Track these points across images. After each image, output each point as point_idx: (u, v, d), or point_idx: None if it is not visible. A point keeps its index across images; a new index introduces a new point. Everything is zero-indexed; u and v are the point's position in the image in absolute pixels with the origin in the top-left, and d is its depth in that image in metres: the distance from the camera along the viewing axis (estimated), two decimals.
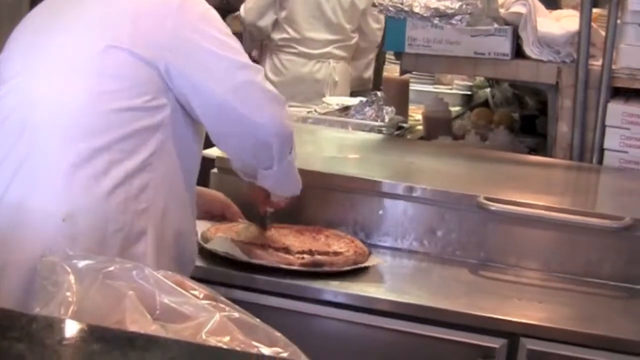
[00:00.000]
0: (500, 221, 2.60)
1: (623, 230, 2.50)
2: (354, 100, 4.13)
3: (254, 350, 1.51)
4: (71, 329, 1.42)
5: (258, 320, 1.61)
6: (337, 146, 3.32)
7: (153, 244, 2.11)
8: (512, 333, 2.28)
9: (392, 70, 4.52)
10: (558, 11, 3.63)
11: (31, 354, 1.29)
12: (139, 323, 1.51)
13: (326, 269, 2.41)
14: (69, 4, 2.22)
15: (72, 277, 1.57)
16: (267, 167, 2.25)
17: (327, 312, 2.37)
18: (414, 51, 3.37)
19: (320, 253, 2.44)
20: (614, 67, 3.17)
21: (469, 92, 4.97)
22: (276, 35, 5.40)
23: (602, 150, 3.16)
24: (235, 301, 1.68)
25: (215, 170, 2.79)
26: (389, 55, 4.95)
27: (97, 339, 1.36)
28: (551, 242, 2.60)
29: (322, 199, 2.74)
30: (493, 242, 2.62)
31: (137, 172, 2.10)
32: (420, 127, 4.11)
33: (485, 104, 4.68)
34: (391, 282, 2.47)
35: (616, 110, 3.13)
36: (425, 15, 3.22)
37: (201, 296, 1.62)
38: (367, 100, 3.87)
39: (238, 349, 1.50)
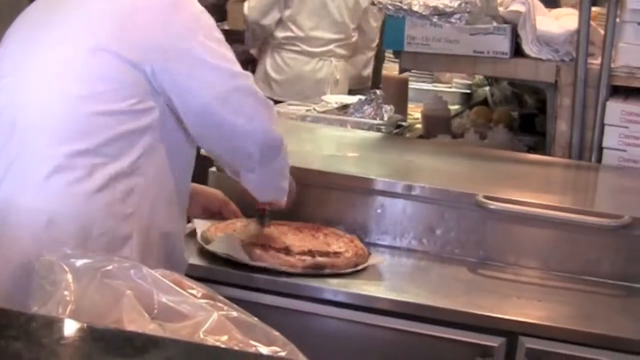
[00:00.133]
0: (500, 220, 2.60)
1: (622, 228, 2.50)
2: (353, 99, 4.13)
3: (252, 350, 1.51)
4: (69, 328, 1.42)
5: (256, 319, 1.61)
6: (336, 144, 3.32)
7: (138, 248, 2.09)
8: (511, 332, 2.28)
9: (391, 68, 4.52)
10: (557, 10, 3.63)
11: (29, 353, 1.29)
12: (137, 322, 1.50)
13: (327, 271, 2.41)
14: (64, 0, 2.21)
15: (70, 276, 1.57)
16: (249, 170, 2.25)
17: (326, 311, 2.37)
18: (413, 50, 3.37)
19: (320, 253, 2.44)
20: (613, 65, 3.16)
21: (468, 91, 4.96)
22: (280, 34, 5.39)
23: (601, 149, 3.16)
24: (234, 300, 1.68)
25: (213, 168, 2.78)
26: (388, 54, 4.95)
27: (95, 338, 1.36)
28: (550, 241, 2.60)
29: (321, 197, 2.74)
30: (492, 241, 2.62)
31: (123, 176, 2.09)
32: (419, 126, 4.11)
33: (484, 102, 4.67)
34: (390, 281, 2.47)
35: (615, 108, 3.13)
36: (424, 13, 3.21)
37: (199, 295, 1.62)
38: (366, 99, 3.87)
39: (236, 348, 1.50)
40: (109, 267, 1.59)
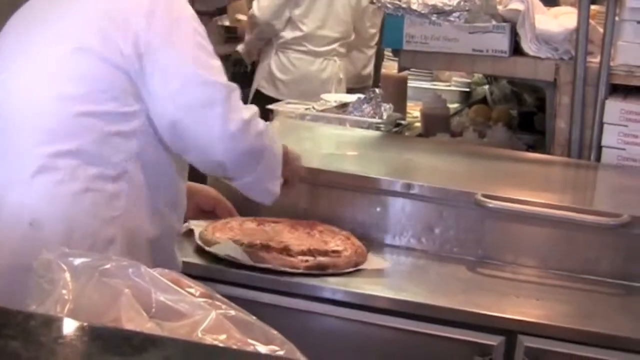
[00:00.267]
0: (498, 218, 2.60)
1: (621, 227, 2.50)
2: (352, 97, 4.13)
3: (250, 349, 1.51)
4: (67, 327, 1.41)
5: (254, 318, 1.61)
6: (335, 143, 3.32)
7: (122, 252, 2.07)
8: (510, 330, 2.28)
9: (390, 67, 4.52)
10: (556, 8, 3.63)
11: (26, 352, 1.29)
12: (135, 321, 1.50)
13: (329, 271, 2.41)
14: None
15: (68, 275, 1.56)
16: (229, 178, 2.25)
17: (324, 310, 2.37)
18: (412, 48, 3.37)
19: (319, 252, 2.44)
20: (612, 64, 3.16)
21: (467, 89, 4.97)
22: (288, 34, 5.37)
23: (600, 147, 3.16)
24: (232, 298, 1.68)
25: None
26: (387, 52, 4.95)
27: (93, 337, 1.36)
28: (549, 240, 2.60)
29: (320, 195, 2.74)
30: (491, 240, 2.62)
31: (108, 179, 2.08)
32: (418, 124, 4.11)
33: (483, 100, 4.68)
34: (389, 280, 2.47)
35: (614, 107, 3.13)
36: (423, 12, 3.22)
37: (197, 294, 1.62)
38: (365, 97, 3.86)
39: (234, 347, 1.49)
40: (107, 266, 1.59)
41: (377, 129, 3.68)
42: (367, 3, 5.48)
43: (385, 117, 3.76)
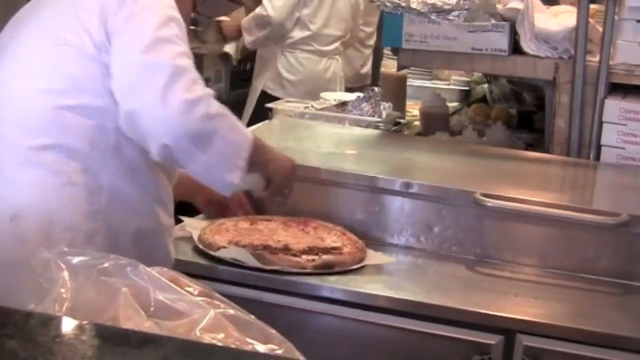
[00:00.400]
0: (497, 217, 2.60)
1: (620, 226, 2.49)
2: (351, 96, 4.13)
3: (249, 348, 1.51)
4: (65, 325, 1.41)
5: (253, 317, 1.61)
6: (334, 142, 3.32)
7: (104, 246, 2.08)
8: (509, 329, 2.28)
9: (389, 65, 4.52)
10: (555, 7, 3.62)
11: (24, 351, 1.29)
12: (133, 320, 1.50)
13: (337, 269, 2.41)
14: None
15: (66, 274, 1.56)
16: (179, 164, 2.17)
17: (323, 309, 2.37)
18: (411, 47, 3.36)
19: (321, 250, 2.45)
20: (611, 63, 3.16)
21: (467, 88, 4.96)
22: (297, 34, 5.36)
23: (599, 146, 3.16)
24: (231, 297, 1.68)
25: None
26: (387, 51, 4.95)
27: (91, 336, 1.36)
28: (548, 239, 2.60)
29: (319, 194, 2.74)
30: (490, 238, 2.62)
31: (89, 172, 2.10)
32: (417, 123, 4.11)
33: (482, 99, 4.67)
34: (388, 279, 2.47)
35: (613, 106, 3.12)
36: (422, 10, 3.21)
37: (196, 293, 1.62)
38: (364, 96, 3.86)
39: (233, 346, 1.49)
40: (106, 265, 1.59)
41: (376, 127, 3.68)
42: (362, 0, 5.50)
43: (384, 115, 3.76)
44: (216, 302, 1.61)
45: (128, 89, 2.06)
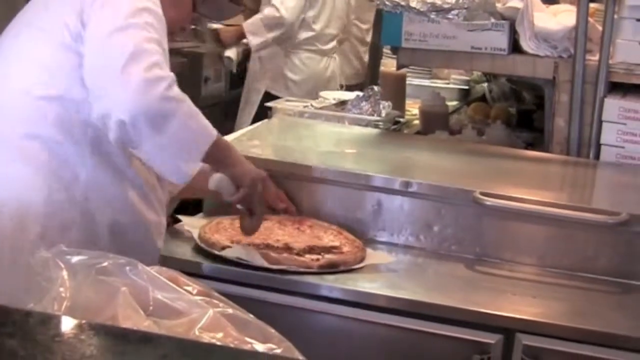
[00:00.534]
0: (497, 216, 2.60)
1: (619, 225, 2.49)
2: (351, 95, 4.13)
3: (248, 347, 1.51)
4: (64, 324, 1.41)
5: (252, 316, 1.61)
6: (333, 141, 3.32)
7: (79, 236, 2.11)
8: (508, 329, 2.28)
9: (388, 64, 4.52)
10: (555, 6, 3.62)
11: (23, 349, 1.29)
12: (132, 319, 1.50)
13: (341, 268, 2.42)
14: None
15: (65, 273, 1.57)
16: (133, 145, 2.10)
17: (322, 308, 2.36)
18: (410, 46, 3.36)
19: (321, 249, 2.46)
20: (611, 62, 3.16)
21: (466, 87, 4.97)
22: (302, 34, 5.36)
23: (599, 145, 3.16)
24: (230, 296, 1.68)
25: None
26: (386, 50, 4.95)
27: (90, 335, 1.36)
28: (547, 238, 2.60)
29: (319, 193, 2.74)
30: (489, 237, 2.62)
31: (66, 163, 2.12)
32: (417, 122, 4.11)
33: (482, 98, 4.68)
34: (387, 278, 2.46)
35: (613, 105, 3.12)
36: (421, 9, 3.21)
37: (195, 292, 1.62)
38: (363, 95, 3.86)
39: (231, 345, 1.49)
40: (104, 264, 1.59)
41: (376, 126, 3.67)
42: None
43: (383, 114, 3.76)
44: (215, 301, 1.61)
45: (92, 69, 2.08)
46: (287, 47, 5.37)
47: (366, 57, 6.15)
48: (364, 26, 6.04)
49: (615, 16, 3.17)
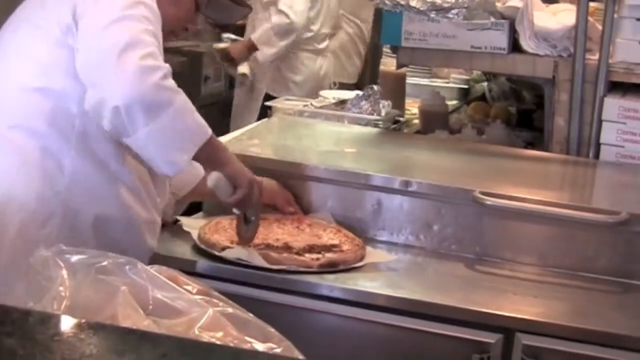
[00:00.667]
0: (496, 216, 2.60)
1: (619, 225, 2.49)
2: (350, 94, 4.12)
3: (247, 346, 1.51)
4: (64, 324, 1.41)
5: (252, 315, 1.61)
6: (333, 140, 3.31)
7: (61, 229, 2.12)
8: (508, 328, 2.28)
9: (388, 64, 4.51)
10: (555, 5, 3.62)
11: (23, 349, 1.29)
12: (132, 318, 1.50)
13: (341, 267, 2.42)
14: None
15: (65, 272, 1.57)
16: (125, 134, 2.09)
17: (322, 307, 2.36)
18: (410, 45, 3.36)
19: (320, 248, 2.46)
20: (610, 61, 3.16)
21: (466, 86, 4.96)
22: (303, 35, 5.36)
23: (598, 145, 3.15)
24: (229, 296, 1.67)
25: None
26: (386, 49, 4.94)
27: (90, 334, 1.36)
28: (547, 237, 2.60)
29: (318, 192, 2.74)
30: (489, 237, 2.62)
31: (51, 154, 2.14)
32: (416, 121, 4.10)
33: (482, 97, 4.67)
34: (387, 277, 2.46)
35: (613, 104, 3.12)
36: (421, 9, 3.21)
37: (194, 291, 1.62)
38: (363, 94, 3.85)
39: (231, 344, 1.49)
40: (104, 263, 1.59)
41: (376, 125, 3.67)
42: None
43: (383, 114, 3.76)
44: (215, 300, 1.61)
45: (87, 58, 2.09)
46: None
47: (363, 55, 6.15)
48: (365, 25, 6.04)
49: (615, 15, 3.16)
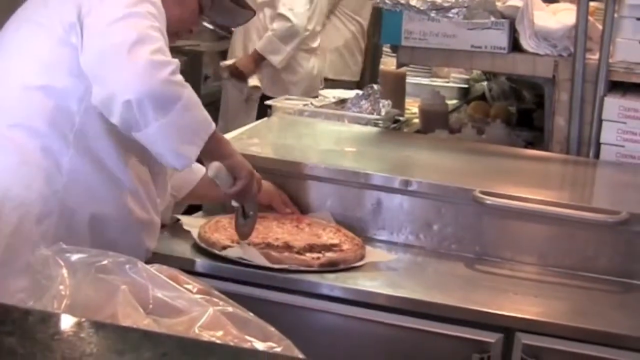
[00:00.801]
0: (496, 215, 2.59)
1: (619, 224, 2.49)
2: (351, 93, 4.13)
3: (248, 345, 1.51)
4: (64, 323, 1.41)
5: (252, 314, 1.61)
6: (333, 139, 3.31)
7: (57, 227, 2.12)
8: (508, 328, 2.27)
9: (388, 63, 4.51)
10: (555, 5, 3.62)
11: (23, 348, 1.29)
12: (132, 317, 1.50)
13: (342, 267, 2.42)
14: None
15: (65, 271, 1.57)
16: (136, 129, 2.09)
17: (322, 306, 2.36)
18: (410, 44, 3.36)
19: (321, 247, 2.46)
20: (610, 60, 3.16)
21: (466, 86, 4.96)
22: (304, 35, 5.36)
23: (598, 144, 3.15)
24: (230, 295, 1.67)
25: None
26: (386, 48, 4.94)
27: (90, 333, 1.36)
28: (547, 237, 2.60)
29: (318, 191, 2.74)
30: (489, 236, 2.62)
31: (50, 152, 2.14)
32: (416, 121, 4.10)
33: (482, 97, 4.67)
34: (387, 276, 2.46)
35: (613, 104, 3.12)
36: (421, 8, 3.21)
37: (195, 290, 1.62)
38: (363, 94, 3.86)
39: (231, 343, 1.49)
40: (104, 262, 1.59)
41: (376, 125, 3.67)
42: None
43: (383, 113, 3.76)
44: (215, 299, 1.61)
45: (95, 54, 2.08)
46: None
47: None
48: (366, 23, 6.06)
49: (615, 15, 3.16)
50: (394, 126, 3.84)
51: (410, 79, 4.57)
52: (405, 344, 2.34)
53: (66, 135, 2.14)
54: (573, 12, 3.24)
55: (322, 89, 5.08)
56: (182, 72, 2.13)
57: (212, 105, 5.62)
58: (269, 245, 2.44)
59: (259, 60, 5.33)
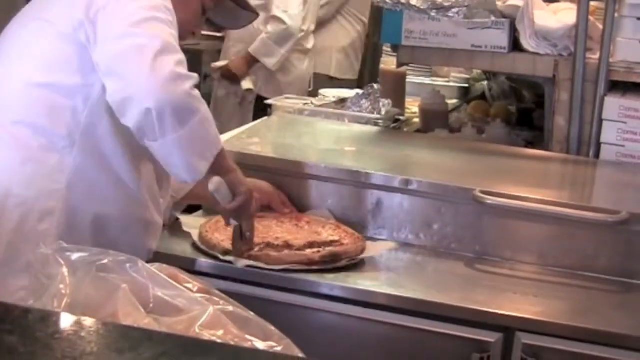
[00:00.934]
0: (497, 215, 2.59)
1: (619, 224, 2.49)
2: (351, 93, 4.13)
3: (248, 344, 1.51)
4: (64, 321, 1.41)
5: (252, 313, 1.61)
6: (333, 138, 3.31)
7: (59, 226, 2.12)
8: (508, 327, 2.27)
9: (388, 62, 4.51)
10: (555, 4, 3.62)
11: (23, 346, 1.29)
12: (132, 316, 1.50)
13: (343, 260, 2.42)
14: None
15: (65, 270, 1.57)
16: (152, 138, 2.08)
17: (322, 305, 2.36)
18: (410, 44, 3.36)
19: (321, 244, 2.46)
20: (611, 60, 3.16)
21: (466, 85, 4.96)
22: (298, 36, 5.36)
23: (599, 144, 3.15)
24: (230, 294, 1.67)
25: None
26: (386, 48, 4.94)
27: (90, 332, 1.36)
28: (547, 236, 2.60)
29: (318, 191, 2.74)
30: (489, 236, 2.62)
31: (53, 150, 2.13)
32: (416, 120, 4.10)
33: (482, 96, 4.67)
34: (387, 276, 2.46)
35: (613, 103, 3.12)
36: (422, 7, 3.21)
37: (195, 289, 1.62)
38: (363, 93, 3.86)
39: (232, 342, 1.49)
40: (105, 261, 1.59)
41: (376, 124, 3.67)
42: None
43: (383, 112, 3.76)
44: (215, 298, 1.61)
45: (118, 53, 2.07)
46: None
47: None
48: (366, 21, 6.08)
49: (616, 14, 3.16)
50: (394, 125, 3.84)
51: (410, 79, 4.57)
52: (405, 343, 2.34)
53: (71, 134, 2.14)
54: (573, 11, 3.24)
55: (311, 90, 5.08)
56: None
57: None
58: (268, 245, 2.43)
59: (251, 63, 5.31)
